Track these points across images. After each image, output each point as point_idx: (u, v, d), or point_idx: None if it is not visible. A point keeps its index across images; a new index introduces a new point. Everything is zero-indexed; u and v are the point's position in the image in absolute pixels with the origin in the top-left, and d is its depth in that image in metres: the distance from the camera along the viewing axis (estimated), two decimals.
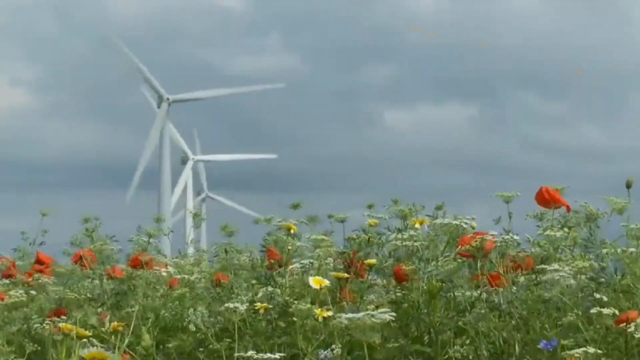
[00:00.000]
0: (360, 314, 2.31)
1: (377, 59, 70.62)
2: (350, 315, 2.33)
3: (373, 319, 2.30)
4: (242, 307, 2.95)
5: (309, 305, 2.97)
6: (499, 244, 3.01)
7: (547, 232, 3.00)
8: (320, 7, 66.59)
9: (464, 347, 3.04)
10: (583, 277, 2.74)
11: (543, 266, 2.90)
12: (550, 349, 2.71)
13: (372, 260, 3.31)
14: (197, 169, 38.70)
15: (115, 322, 3.11)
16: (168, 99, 31.44)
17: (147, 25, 61.92)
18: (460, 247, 3.05)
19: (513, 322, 2.98)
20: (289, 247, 3.37)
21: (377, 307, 3.10)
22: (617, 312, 2.68)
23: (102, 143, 57.07)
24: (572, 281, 2.63)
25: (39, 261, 4.26)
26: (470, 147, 61.02)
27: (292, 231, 3.34)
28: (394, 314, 2.36)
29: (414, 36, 67.90)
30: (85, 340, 2.77)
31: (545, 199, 3.13)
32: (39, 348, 3.47)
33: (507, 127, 65.77)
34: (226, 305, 2.98)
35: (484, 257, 3.03)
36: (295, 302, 3.05)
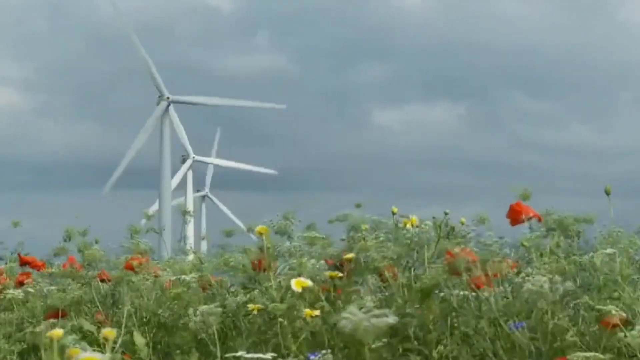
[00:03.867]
0: (361, 313, 2.15)
1: (368, 58, 70.35)
2: (350, 314, 2.17)
3: (373, 320, 2.15)
4: (233, 305, 2.96)
5: (285, 305, 2.99)
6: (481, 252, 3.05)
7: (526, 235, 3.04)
8: (310, 7, 66.54)
9: (449, 347, 3.06)
10: (559, 284, 2.75)
11: (523, 274, 2.91)
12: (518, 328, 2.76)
13: (351, 255, 3.31)
14: (205, 168, 38.70)
15: (108, 329, 3.14)
16: (168, 98, 31.40)
17: (135, 24, 61.66)
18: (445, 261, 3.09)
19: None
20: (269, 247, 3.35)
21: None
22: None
23: (99, 142, 56.98)
24: (546, 286, 2.65)
25: (24, 263, 4.27)
26: (463, 146, 61.07)
27: (263, 236, 3.31)
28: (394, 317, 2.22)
29: (405, 35, 67.80)
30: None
31: (517, 211, 3.17)
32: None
33: (498, 126, 65.78)
34: (216, 304, 3.01)
35: (467, 271, 3.06)
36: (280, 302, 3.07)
